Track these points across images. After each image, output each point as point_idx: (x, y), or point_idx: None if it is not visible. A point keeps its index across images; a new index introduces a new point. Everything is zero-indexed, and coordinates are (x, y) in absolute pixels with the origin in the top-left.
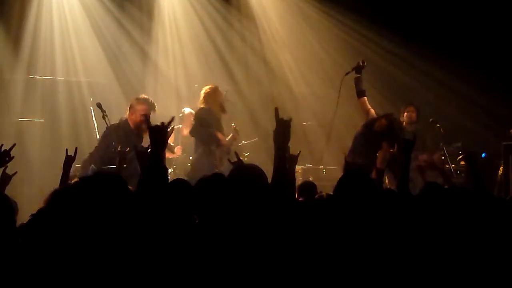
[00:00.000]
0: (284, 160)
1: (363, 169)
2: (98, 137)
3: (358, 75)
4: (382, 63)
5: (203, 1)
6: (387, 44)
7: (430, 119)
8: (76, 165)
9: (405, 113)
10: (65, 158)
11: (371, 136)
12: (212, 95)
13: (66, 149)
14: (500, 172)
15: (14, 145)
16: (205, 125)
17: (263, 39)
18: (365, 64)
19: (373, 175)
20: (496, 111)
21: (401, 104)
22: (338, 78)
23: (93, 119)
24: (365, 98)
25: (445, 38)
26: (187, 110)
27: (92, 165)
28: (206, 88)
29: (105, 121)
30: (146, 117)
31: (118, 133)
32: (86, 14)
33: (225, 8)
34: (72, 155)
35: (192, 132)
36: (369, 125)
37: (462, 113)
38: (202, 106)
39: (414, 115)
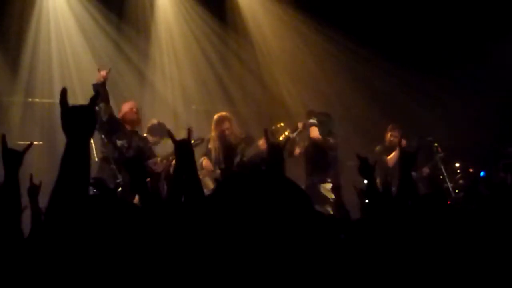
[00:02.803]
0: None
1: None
2: (97, 160)
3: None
4: (379, 83)
5: (200, 22)
6: (385, 63)
7: (428, 139)
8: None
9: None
10: (30, 188)
11: (313, 152)
12: None
13: (31, 174)
14: None
15: None
16: None
17: (260, 60)
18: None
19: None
20: (495, 130)
21: (399, 123)
22: (336, 97)
23: (91, 141)
24: None
25: (442, 57)
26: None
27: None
28: None
29: (104, 144)
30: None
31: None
32: (84, 37)
33: (222, 28)
34: (37, 184)
35: None
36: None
37: (460, 132)
38: None
39: None
